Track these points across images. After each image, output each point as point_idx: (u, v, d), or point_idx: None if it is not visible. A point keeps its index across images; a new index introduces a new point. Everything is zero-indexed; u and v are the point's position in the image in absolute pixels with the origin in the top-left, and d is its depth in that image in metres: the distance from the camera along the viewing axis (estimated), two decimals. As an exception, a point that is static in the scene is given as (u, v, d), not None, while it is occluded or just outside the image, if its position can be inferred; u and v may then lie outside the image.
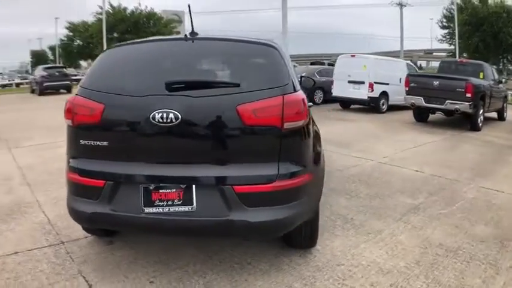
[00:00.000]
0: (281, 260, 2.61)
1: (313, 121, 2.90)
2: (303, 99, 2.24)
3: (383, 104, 11.50)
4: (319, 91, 13.20)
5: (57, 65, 29.64)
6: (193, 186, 2.08)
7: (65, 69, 21.84)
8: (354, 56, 12.03)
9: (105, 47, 28.92)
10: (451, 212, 3.58)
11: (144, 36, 28.86)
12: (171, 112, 2.03)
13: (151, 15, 32.83)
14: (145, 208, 2.09)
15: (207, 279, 2.37)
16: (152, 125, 2.04)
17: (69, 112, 2.22)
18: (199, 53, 2.40)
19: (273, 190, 2.07)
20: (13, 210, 3.41)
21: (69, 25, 34.48)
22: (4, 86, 31.89)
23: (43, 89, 17.63)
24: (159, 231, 2.20)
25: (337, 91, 11.80)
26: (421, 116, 9.57)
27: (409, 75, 9.75)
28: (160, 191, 2.08)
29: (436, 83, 8.63)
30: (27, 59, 56.18)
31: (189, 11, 2.43)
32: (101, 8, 29.00)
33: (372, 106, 11.48)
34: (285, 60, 2.37)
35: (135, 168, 2.11)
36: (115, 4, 31.50)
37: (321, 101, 13.28)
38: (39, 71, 18.98)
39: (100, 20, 28.87)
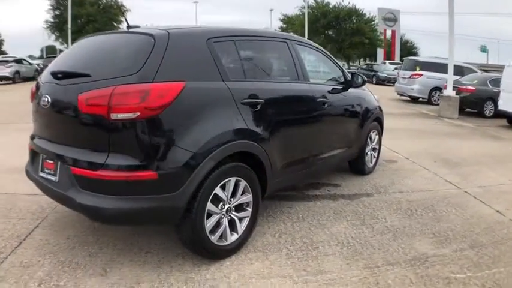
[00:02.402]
0: (173, 261, 2.44)
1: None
2: (149, 90, 2.03)
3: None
4: (490, 102, 10.25)
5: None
6: (58, 162, 2.29)
7: None
8: None
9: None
10: (464, 280, 2.30)
11: (343, 32, 28.51)
12: (46, 97, 2.31)
13: (352, 12, 32.34)
14: (40, 172, 2.46)
15: (94, 251, 2.52)
16: (41, 106, 2.38)
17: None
18: (101, 46, 2.50)
19: (98, 178, 2.05)
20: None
21: (283, 17, 36.54)
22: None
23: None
24: (43, 192, 2.49)
25: (503, 104, 8.92)
26: None
27: None
28: (47, 160, 2.41)
29: None
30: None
31: (122, 11, 2.53)
32: (304, 1, 30.85)
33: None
34: (161, 50, 2.16)
35: (39, 141, 2.52)
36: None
37: (491, 113, 10.27)
38: None
39: (304, 13, 30.66)
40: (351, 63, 36.25)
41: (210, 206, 2.31)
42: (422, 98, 12.97)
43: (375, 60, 35.20)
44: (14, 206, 3.19)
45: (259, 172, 2.64)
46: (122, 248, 2.58)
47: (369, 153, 4.51)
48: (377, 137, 4.66)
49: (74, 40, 29.55)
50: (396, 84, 14.20)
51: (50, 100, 2.30)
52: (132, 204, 2.06)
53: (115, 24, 30.62)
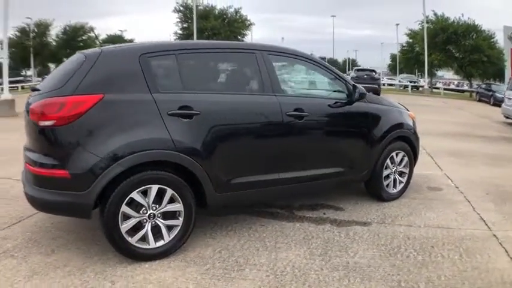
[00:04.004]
0: (105, 254, 2.51)
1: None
2: (64, 102, 2.25)
3: None
4: None
5: (368, 68, 23.93)
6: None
7: (374, 73, 21.47)
8: None
9: (426, 54, 27.66)
10: None
11: (462, 49, 25.29)
12: (26, 105, 2.69)
13: (470, 27, 28.14)
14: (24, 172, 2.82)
15: (59, 236, 2.78)
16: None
17: None
18: (65, 63, 2.80)
19: (34, 173, 2.39)
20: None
21: (409, 32, 33.05)
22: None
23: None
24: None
25: None
26: None
27: None
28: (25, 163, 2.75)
29: None
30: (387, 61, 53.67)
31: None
32: (423, 14, 28.24)
33: None
34: (87, 66, 2.36)
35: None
36: (439, 13, 29.25)
37: None
38: (352, 72, 21.28)
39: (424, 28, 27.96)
40: (477, 82, 31.12)
41: (125, 209, 2.33)
42: None
43: (503, 80, 29.66)
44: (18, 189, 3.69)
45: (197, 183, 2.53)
46: (81, 237, 2.78)
47: (391, 176, 3.79)
48: (405, 159, 3.87)
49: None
50: (502, 105, 11.50)
51: (25, 110, 2.69)
52: (52, 197, 2.31)
53: (239, 38, 29.55)
